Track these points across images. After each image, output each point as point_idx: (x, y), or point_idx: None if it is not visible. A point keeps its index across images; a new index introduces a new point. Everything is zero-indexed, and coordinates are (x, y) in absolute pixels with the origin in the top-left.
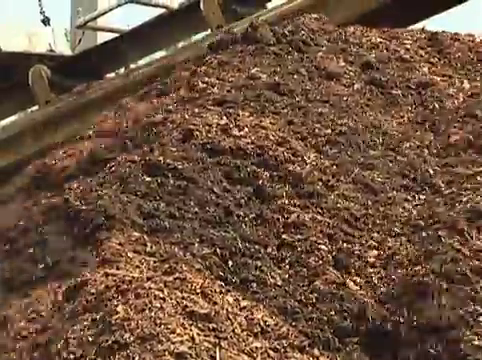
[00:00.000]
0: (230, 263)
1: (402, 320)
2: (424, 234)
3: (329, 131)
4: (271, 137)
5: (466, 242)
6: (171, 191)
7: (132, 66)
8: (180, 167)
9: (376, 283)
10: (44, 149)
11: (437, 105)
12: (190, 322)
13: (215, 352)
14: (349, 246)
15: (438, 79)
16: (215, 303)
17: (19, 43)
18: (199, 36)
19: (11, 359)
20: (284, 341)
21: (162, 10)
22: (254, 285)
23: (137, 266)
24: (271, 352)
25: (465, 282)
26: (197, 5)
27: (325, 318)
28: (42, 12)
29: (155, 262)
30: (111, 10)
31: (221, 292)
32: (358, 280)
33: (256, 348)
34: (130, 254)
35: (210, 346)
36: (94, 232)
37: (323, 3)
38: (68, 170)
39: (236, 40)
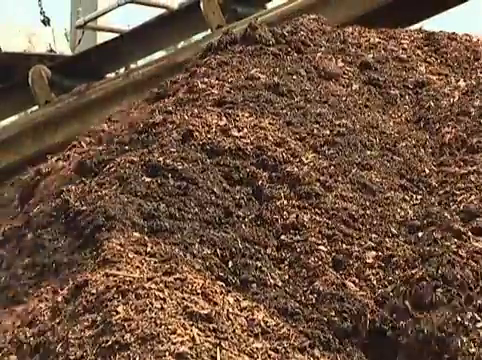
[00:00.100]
0: (230, 264)
1: (401, 322)
2: (421, 235)
3: (327, 132)
4: (270, 138)
5: (460, 243)
6: (171, 192)
7: (132, 66)
8: (180, 168)
9: (375, 284)
10: (44, 149)
11: (433, 104)
12: (190, 322)
13: (216, 353)
14: (348, 247)
15: (434, 78)
16: (215, 304)
17: (19, 43)
18: (199, 36)
19: None
20: (285, 342)
21: (162, 10)
22: (254, 286)
23: (137, 267)
24: (272, 353)
25: (461, 285)
26: (197, 5)
27: (325, 319)
28: (42, 12)
29: (155, 263)
30: (111, 10)
31: (221, 293)
32: (357, 281)
33: (257, 349)
34: (130, 255)
35: (211, 346)
36: (94, 233)
37: (323, 3)
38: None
39: (235, 41)
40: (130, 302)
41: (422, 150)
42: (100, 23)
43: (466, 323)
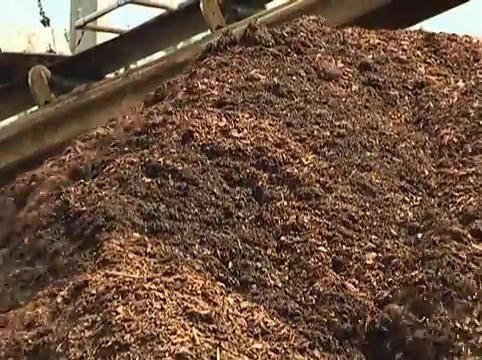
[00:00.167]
0: (230, 264)
1: (401, 323)
2: (420, 236)
3: (327, 133)
4: (270, 139)
5: (460, 245)
6: (171, 192)
7: (132, 66)
8: (180, 168)
9: (375, 285)
10: (44, 150)
11: (432, 104)
12: (190, 323)
13: (216, 353)
14: (348, 248)
15: (434, 79)
16: (215, 304)
17: (19, 44)
18: (199, 37)
19: None
20: (285, 342)
21: (162, 11)
22: (254, 286)
23: (137, 267)
24: (272, 353)
25: (461, 288)
26: (197, 6)
27: (325, 320)
28: (42, 12)
29: (155, 263)
30: (111, 10)
31: (221, 293)
32: (357, 282)
33: (257, 349)
34: (130, 255)
35: (211, 347)
36: (94, 233)
37: (323, 4)
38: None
39: (235, 41)
40: (130, 303)
41: (421, 151)
42: (100, 23)
43: (465, 328)
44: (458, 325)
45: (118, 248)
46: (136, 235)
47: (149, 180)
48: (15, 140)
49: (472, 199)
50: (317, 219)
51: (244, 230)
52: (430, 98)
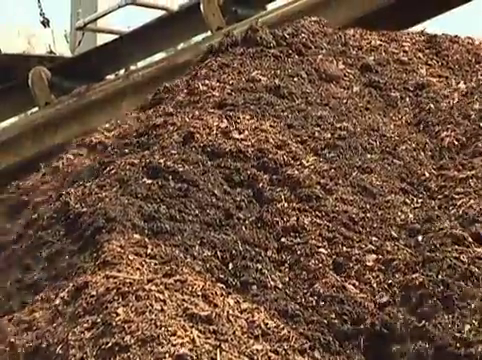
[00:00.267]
0: (230, 266)
1: (401, 325)
2: (420, 239)
3: (328, 134)
4: (271, 140)
5: (461, 248)
6: (171, 194)
7: (132, 68)
8: (180, 170)
9: (375, 287)
10: (44, 151)
11: (433, 106)
12: (191, 324)
13: (216, 354)
14: (348, 250)
15: (434, 80)
16: (216, 305)
17: (19, 45)
18: (199, 38)
19: None
20: (285, 344)
21: (162, 12)
22: (254, 288)
23: (138, 268)
24: (272, 355)
25: (461, 291)
26: (197, 7)
27: (325, 321)
28: (42, 14)
29: (156, 264)
30: (111, 12)
31: (222, 294)
32: (357, 284)
33: (257, 350)
34: (131, 256)
35: (211, 348)
36: (94, 235)
37: (324, 4)
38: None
39: (236, 43)
40: (130, 304)
41: (422, 153)
42: (100, 25)
43: (465, 333)
44: (458, 331)
45: (118, 249)
46: (136, 236)
47: (150, 181)
48: (15, 141)
49: (472, 202)
50: (317, 221)
51: (244, 231)
52: (431, 100)
